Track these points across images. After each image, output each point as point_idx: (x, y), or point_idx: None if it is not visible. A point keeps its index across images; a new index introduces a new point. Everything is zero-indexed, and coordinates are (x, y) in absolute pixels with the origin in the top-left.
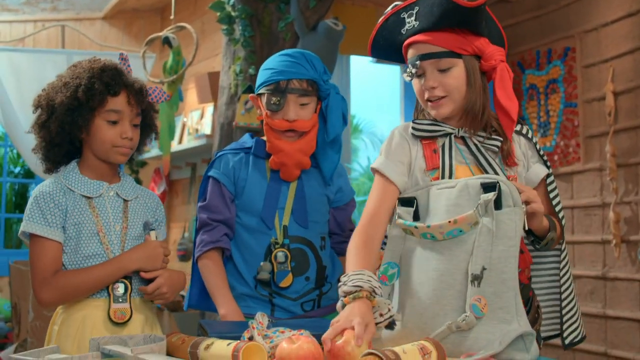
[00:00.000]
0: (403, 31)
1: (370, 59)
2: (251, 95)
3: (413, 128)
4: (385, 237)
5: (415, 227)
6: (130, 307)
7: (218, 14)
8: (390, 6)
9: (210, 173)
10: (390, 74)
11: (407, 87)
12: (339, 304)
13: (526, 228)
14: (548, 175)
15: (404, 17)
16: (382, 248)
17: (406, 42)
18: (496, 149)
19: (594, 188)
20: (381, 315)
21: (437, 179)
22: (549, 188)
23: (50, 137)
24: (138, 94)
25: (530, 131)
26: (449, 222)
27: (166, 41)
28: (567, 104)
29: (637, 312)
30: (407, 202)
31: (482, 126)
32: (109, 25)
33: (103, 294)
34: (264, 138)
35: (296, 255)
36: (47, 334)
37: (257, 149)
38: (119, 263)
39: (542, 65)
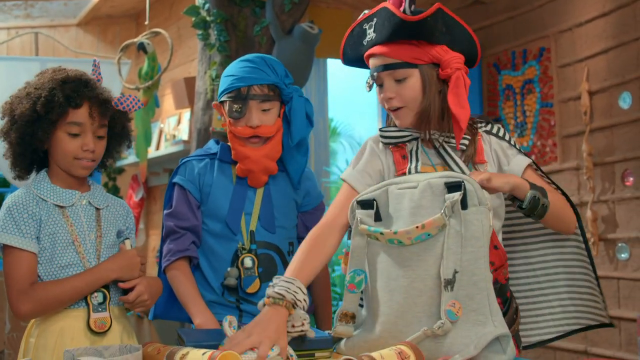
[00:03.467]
0: (364, 42)
1: None
2: (214, 103)
3: (381, 136)
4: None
5: (381, 233)
6: (110, 316)
7: (193, 19)
8: (359, 17)
9: (175, 180)
10: (368, 76)
11: None
12: (260, 303)
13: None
14: (532, 165)
15: (366, 29)
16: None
17: (366, 53)
18: (464, 148)
19: (571, 187)
20: (293, 326)
21: None
22: (539, 173)
23: (12, 147)
24: (102, 105)
25: (502, 129)
26: (417, 227)
27: (141, 47)
28: (543, 104)
29: (616, 310)
30: (366, 204)
31: (446, 128)
32: (84, 32)
33: (81, 304)
34: (230, 143)
35: (263, 260)
36: (21, 346)
37: (223, 154)
38: (98, 273)
39: (517, 65)
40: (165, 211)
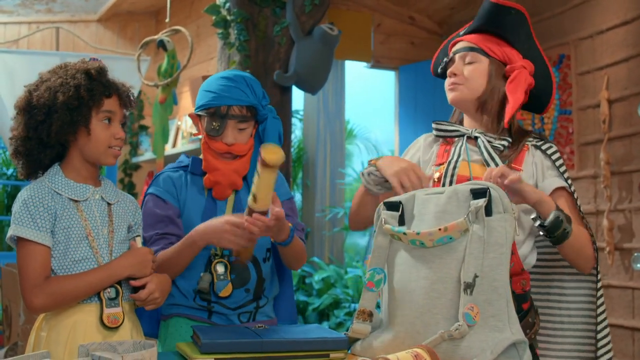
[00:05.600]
0: (460, 34)
1: (365, 64)
2: (191, 113)
3: (434, 128)
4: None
5: (404, 233)
6: (123, 312)
7: (213, 17)
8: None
9: (151, 191)
10: (386, 79)
11: (401, 92)
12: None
13: (533, 216)
14: (567, 191)
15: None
16: (366, 257)
17: (452, 42)
18: (502, 148)
19: (588, 195)
20: None
21: (441, 172)
22: (571, 202)
23: (47, 138)
24: (127, 96)
25: (552, 148)
26: (440, 229)
27: (161, 44)
28: (561, 111)
29: (631, 320)
30: (392, 206)
31: (499, 129)
32: (104, 28)
33: (94, 299)
34: (200, 156)
35: (237, 267)
36: (30, 339)
37: (194, 167)
38: (112, 270)
39: None
40: (143, 223)
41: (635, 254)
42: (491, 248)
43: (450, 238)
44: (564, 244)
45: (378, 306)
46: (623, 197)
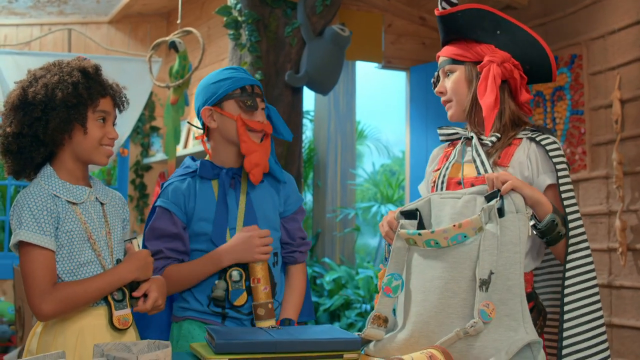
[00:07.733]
0: None
1: (376, 64)
2: (204, 108)
3: (439, 134)
4: (389, 252)
5: (419, 234)
6: (132, 313)
7: (224, 18)
8: None
9: (158, 203)
10: (397, 80)
11: (412, 93)
12: None
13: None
14: (560, 185)
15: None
16: (385, 261)
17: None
18: (490, 144)
19: (600, 196)
20: None
21: (436, 177)
22: (562, 197)
23: (43, 135)
24: (120, 98)
25: (550, 139)
26: (454, 226)
27: (172, 45)
28: (573, 111)
29: None
30: (410, 214)
31: (494, 129)
32: (115, 30)
33: (101, 302)
34: (207, 159)
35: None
36: (31, 344)
37: (203, 171)
38: (118, 274)
39: None
40: (147, 234)
41: None
42: (505, 247)
43: (465, 236)
44: (558, 245)
45: (393, 310)
46: (636, 198)
